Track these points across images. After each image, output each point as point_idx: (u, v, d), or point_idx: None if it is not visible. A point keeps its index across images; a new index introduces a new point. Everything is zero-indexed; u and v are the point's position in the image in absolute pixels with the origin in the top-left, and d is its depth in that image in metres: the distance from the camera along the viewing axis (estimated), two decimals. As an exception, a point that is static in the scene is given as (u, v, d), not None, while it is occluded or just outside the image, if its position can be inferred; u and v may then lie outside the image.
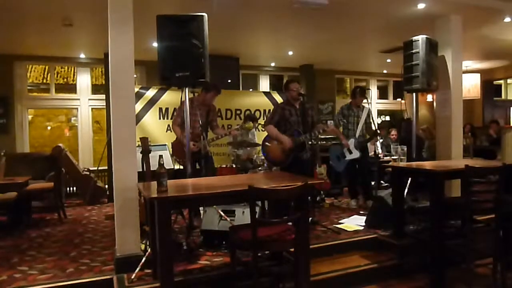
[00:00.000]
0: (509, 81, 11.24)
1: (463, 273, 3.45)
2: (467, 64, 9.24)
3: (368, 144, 5.80)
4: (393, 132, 7.48)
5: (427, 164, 4.23)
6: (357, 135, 5.50)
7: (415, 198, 4.81)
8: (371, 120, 5.67)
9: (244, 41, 7.11)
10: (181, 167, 4.98)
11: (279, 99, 7.69)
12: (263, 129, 7.42)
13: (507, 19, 5.79)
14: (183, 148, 4.52)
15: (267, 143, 4.81)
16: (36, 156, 6.87)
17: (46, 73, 8.28)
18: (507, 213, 3.53)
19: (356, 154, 5.48)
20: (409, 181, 4.56)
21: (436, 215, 3.54)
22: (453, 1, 4.99)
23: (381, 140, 7.30)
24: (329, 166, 6.03)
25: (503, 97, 11.46)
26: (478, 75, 9.34)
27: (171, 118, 6.80)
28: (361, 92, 5.61)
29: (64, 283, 3.14)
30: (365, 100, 5.57)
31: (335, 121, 5.63)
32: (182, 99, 3.83)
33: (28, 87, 7.95)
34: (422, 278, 3.60)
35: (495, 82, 11.04)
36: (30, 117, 8.19)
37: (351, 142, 5.51)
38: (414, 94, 5.19)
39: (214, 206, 3.95)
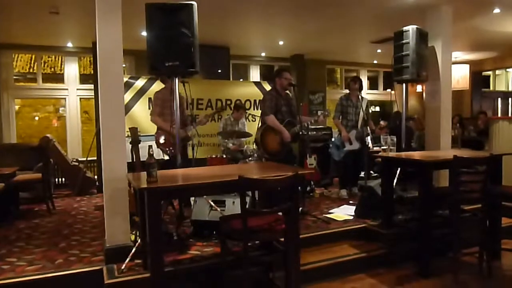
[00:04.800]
0: (497, 72, 11.35)
1: (450, 261, 3.51)
2: (457, 55, 9.30)
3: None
4: (382, 123, 7.51)
5: (416, 154, 4.27)
6: (359, 127, 5.52)
7: (404, 188, 4.86)
8: (368, 111, 5.70)
9: (234, 31, 7.06)
10: (166, 157, 4.92)
11: (269, 89, 7.67)
12: (254, 119, 7.47)
13: (497, 10, 5.82)
14: (167, 137, 4.50)
15: (264, 134, 4.63)
16: (24, 147, 6.78)
17: (32, 62, 8.14)
18: (493, 203, 3.59)
19: (356, 145, 5.52)
20: (398, 171, 4.60)
21: (424, 205, 3.58)
22: (444, -9, 5.01)
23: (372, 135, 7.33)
24: (320, 156, 6.06)
25: (491, 88, 11.58)
26: (467, 66, 9.41)
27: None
28: (353, 79, 5.65)
29: (53, 274, 3.12)
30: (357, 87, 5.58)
31: (335, 113, 5.64)
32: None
33: (15, 77, 7.82)
34: (410, 266, 3.65)
35: (484, 73, 11.15)
36: (17, 107, 8.07)
37: (352, 134, 5.54)
38: (404, 84, 5.22)
39: (205, 197, 3.94)
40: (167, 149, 4.62)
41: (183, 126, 4.64)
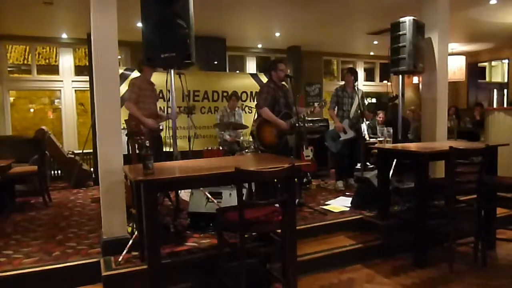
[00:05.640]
0: (493, 63, 11.37)
1: (446, 251, 3.54)
2: (453, 47, 9.30)
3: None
4: (381, 115, 7.52)
5: (412, 146, 4.28)
6: (351, 116, 5.53)
7: (400, 179, 4.87)
8: (364, 102, 5.69)
9: (230, 22, 7.01)
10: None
11: (265, 80, 7.65)
12: (250, 111, 7.45)
13: (493, 1, 5.81)
14: (140, 125, 4.41)
15: (260, 127, 4.60)
16: (19, 139, 6.74)
17: (27, 53, 8.06)
18: (488, 193, 3.61)
19: (350, 133, 5.52)
20: (394, 163, 4.61)
21: (420, 196, 3.60)
22: (441, -18, 4.98)
23: (367, 122, 7.34)
24: (317, 147, 6.07)
25: (487, 79, 11.61)
26: (464, 57, 9.41)
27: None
28: (348, 71, 5.64)
29: (50, 266, 3.12)
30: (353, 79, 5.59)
31: (330, 103, 5.64)
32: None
33: (9, 68, 7.75)
34: (406, 257, 3.67)
35: (480, 65, 11.16)
36: (11, 99, 8.01)
37: (345, 123, 5.54)
38: (400, 76, 5.21)
39: (201, 188, 3.94)
40: (137, 138, 4.49)
41: (155, 117, 4.62)
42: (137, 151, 3.61)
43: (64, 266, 3.14)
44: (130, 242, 3.24)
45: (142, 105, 4.54)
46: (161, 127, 4.77)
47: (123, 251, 3.17)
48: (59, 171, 7.24)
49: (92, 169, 7.05)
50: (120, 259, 3.11)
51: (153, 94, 4.71)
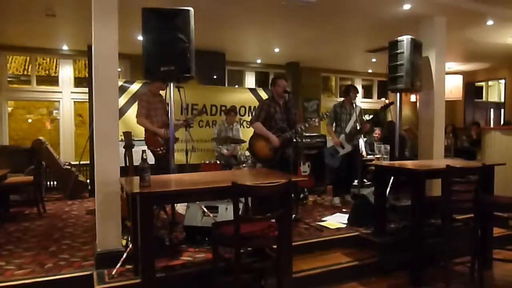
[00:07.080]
0: (490, 83, 11.48)
1: (442, 271, 3.51)
2: (450, 66, 9.40)
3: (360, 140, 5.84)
4: (377, 131, 7.55)
5: (409, 164, 4.29)
6: (347, 131, 5.54)
7: (397, 196, 4.86)
8: (362, 118, 5.71)
9: (230, 37, 7.08)
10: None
11: (264, 95, 7.70)
12: (249, 126, 7.47)
13: (490, 22, 5.90)
14: (156, 137, 4.60)
15: (253, 142, 4.69)
16: (16, 149, 6.73)
17: (27, 64, 8.10)
18: (485, 212, 3.61)
19: (348, 147, 5.51)
20: (391, 180, 4.62)
21: (417, 214, 3.59)
22: (438, 2, 5.06)
23: (365, 139, 7.36)
24: (314, 163, 6.07)
25: (484, 98, 11.71)
26: (461, 76, 9.50)
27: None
28: (354, 89, 5.69)
29: (42, 278, 3.08)
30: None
31: (329, 120, 5.65)
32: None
33: (8, 79, 7.77)
34: (402, 275, 3.64)
35: (477, 84, 11.27)
36: (10, 109, 8.01)
37: (342, 138, 5.55)
38: (398, 94, 5.25)
39: (197, 202, 3.93)
40: (157, 149, 4.61)
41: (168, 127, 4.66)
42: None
43: (56, 279, 3.10)
44: (125, 255, 3.20)
45: (155, 118, 4.72)
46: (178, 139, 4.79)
47: (117, 264, 3.13)
48: (55, 182, 7.20)
49: (88, 181, 7.01)
50: (113, 272, 3.07)
51: (162, 105, 4.83)
